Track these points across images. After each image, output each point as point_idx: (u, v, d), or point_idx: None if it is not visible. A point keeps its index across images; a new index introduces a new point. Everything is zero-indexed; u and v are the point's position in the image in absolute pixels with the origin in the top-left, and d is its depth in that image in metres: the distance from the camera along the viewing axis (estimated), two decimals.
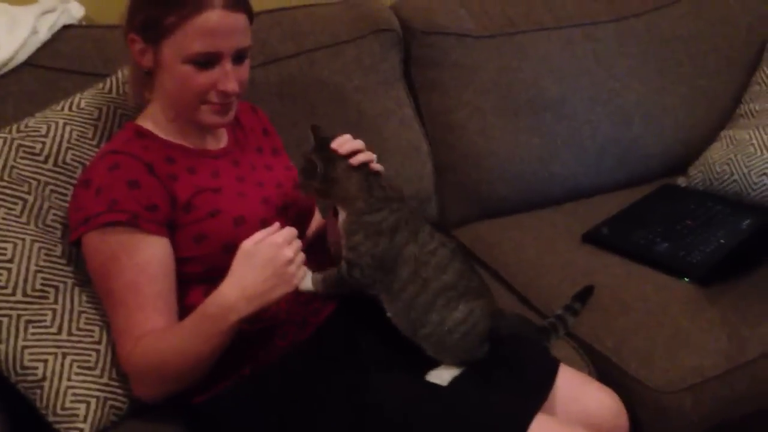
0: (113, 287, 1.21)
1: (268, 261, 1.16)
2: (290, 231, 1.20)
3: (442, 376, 1.28)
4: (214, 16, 1.19)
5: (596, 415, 1.31)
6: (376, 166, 1.29)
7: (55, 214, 1.34)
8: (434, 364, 1.29)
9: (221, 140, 1.40)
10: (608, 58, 2.02)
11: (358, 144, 1.29)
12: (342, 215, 1.26)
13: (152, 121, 1.34)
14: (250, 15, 1.27)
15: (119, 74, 1.51)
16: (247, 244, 1.18)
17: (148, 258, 1.21)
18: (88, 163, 1.39)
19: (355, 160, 1.26)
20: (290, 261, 1.17)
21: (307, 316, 1.33)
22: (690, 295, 1.58)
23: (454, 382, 1.27)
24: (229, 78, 1.24)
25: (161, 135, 1.33)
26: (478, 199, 1.93)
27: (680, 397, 1.42)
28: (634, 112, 2.04)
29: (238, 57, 1.26)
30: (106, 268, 1.21)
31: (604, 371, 1.47)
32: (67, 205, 1.36)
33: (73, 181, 1.37)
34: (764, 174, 1.88)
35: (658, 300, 1.57)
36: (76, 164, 1.39)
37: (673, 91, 2.09)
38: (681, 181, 2.06)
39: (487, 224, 1.92)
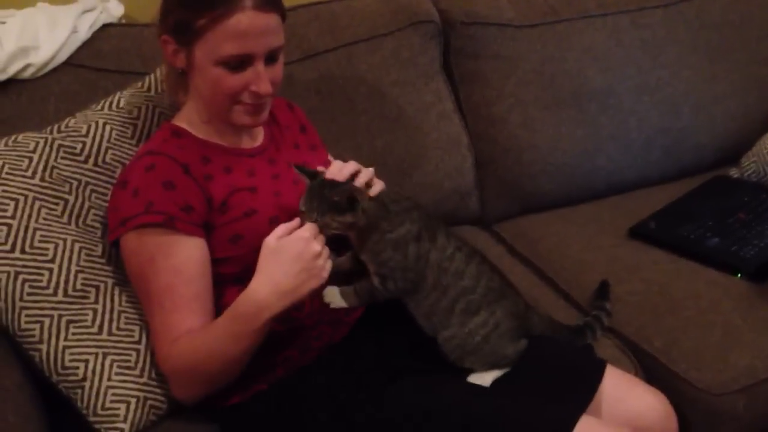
0: (150, 289, 1.21)
1: (297, 255, 1.15)
2: (314, 225, 1.19)
3: (484, 377, 1.26)
4: (245, 18, 1.18)
5: (643, 418, 1.27)
6: (379, 182, 1.27)
7: (95, 214, 1.35)
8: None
9: (257, 138, 1.39)
10: (656, 45, 1.95)
11: (354, 165, 1.26)
12: (361, 236, 1.23)
13: (188, 120, 1.33)
14: (282, 14, 1.25)
15: (157, 73, 1.51)
16: (271, 240, 1.16)
17: (184, 259, 1.21)
18: (127, 162, 1.40)
19: (359, 181, 1.23)
20: (319, 254, 1.16)
21: (341, 316, 1.31)
22: (742, 292, 1.53)
23: (497, 383, 1.24)
24: (262, 79, 1.23)
25: (197, 134, 1.32)
26: (520, 194, 1.89)
27: (732, 400, 1.37)
28: (683, 101, 1.97)
29: (271, 57, 1.24)
30: (143, 270, 1.22)
31: (652, 372, 1.43)
32: (106, 204, 1.36)
33: (113, 181, 1.38)
34: None
35: (709, 297, 1.51)
36: (115, 164, 1.39)
37: (724, 79, 2.01)
38: (733, 172, 1.98)
39: (529, 219, 1.88)
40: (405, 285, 1.22)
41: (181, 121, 1.34)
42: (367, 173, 1.25)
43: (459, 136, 1.84)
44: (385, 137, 1.76)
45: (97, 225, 1.35)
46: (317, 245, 1.16)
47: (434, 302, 1.23)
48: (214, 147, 1.32)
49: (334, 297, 1.24)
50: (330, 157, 1.38)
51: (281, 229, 1.18)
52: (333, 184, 1.21)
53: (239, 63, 1.21)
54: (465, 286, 1.22)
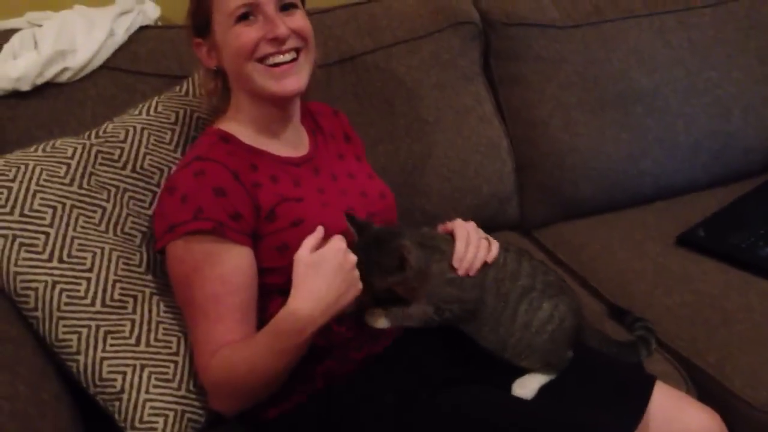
0: (195, 297, 1.19)
1: (337, 267, 1.13)
2: (341, 236, 1.17)
3: (528, 385, 1.22)
4: None
5: None
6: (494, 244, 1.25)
7: (133, 222, 1.33)
8: (516, 373, 1.23)
9: (302, 146, 1.36)
10: (705, 46, 1.89)
11: (477, 241, 1.23)
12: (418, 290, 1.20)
13: (234, 125, 1.31)
14: None
15: (195, 76, 1.49)
16: (304, 254, 1.14)
17: (231, 268, 1.18)
18: (165, 168, 1.38)
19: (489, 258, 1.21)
20: (355, 264, 1.15)
21: (371, 348, 1.28)
22: None
23: (543, 396, 1.21)
24: (276, 23, 1.22)
25: (244, 140, 1.30)
26: (562, 199, 1.84)
27: None
28: (732, 103, 1.90)
29: (284, 6, 1.24)
30: (188, 278, 1.19)
31: (705, 389, 1.37)
32: (144, 211, 1.35)
33: (151, 188, 1.36)
34: None
35: (763, 310, 1.45)
36: (153, 170, 1.37)
37: None
38: None
39: (571, 225, 1.83)
40: (463, 314, 1.19)
41: (226, 125, 1.31)
42: (494, 249, 1.23)
43: (499, 140, 1.80)
44: (423, 141, 1.72)
45: (135, 233, 1.33)
46: (353, 255, 1.15)
47: (497, 315, 1.19)
48: (261, 154, 1.29)
49: (379, 319, 1.22)
50: (453, 226, 1.28)
51: (311, 240, 1.16)
52: (379, 240, 1.18)
53: (250, 12, 1.21)
54: (524, 285, 1.19)
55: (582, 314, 1.26)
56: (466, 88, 1.78)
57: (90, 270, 1.25)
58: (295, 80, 1.26)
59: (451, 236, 1.23)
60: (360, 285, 1.16)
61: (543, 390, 1.21)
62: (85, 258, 1.25)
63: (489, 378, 1.22)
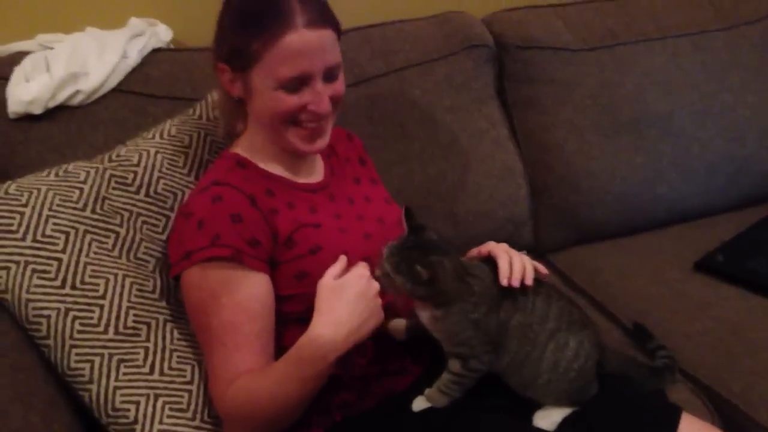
0: (211, 325, 1.16)
1: (360, 294, 1.13)
2: (365, 263, 1.16)
3: (550, 417, 1.19)
4: (297, 38, 1.14)
5: None
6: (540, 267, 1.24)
7: (146, 247, 1.31)
8: (537, 403, 1.20)
9: (317, 172, 1.34)
10: (719, 69, 1.88)
11: (522, 262, 1.20)
12: (436, 312, 1.16)
13: (249, 150, 1.29)
14: (337, 29, 1.21)
15: (208, 99, 1.48)
16: (328, 280, 1.14)
17: (249, 296, 1.16)
18: (179, 192, 1.36)
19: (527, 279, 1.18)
20: (378, 292, 1.14)
21: (406, 364, 1.25)
22: None
23: (565, 427, 1.17)
24: (321, 98, 1.19)
25: (260, 165, 1.28)
26: (576, 223, 1.82)
27: None
28: (747, 127, 1.89)
29: (329, 75, 1.20)
30: (205, 305, 1.17)
31: (730, 419, 1.34)
32: (158, 236, 1.33)
33: (165, 212, 1.34)
34: None
35: None
36: (167, 194, 1.35)
37: None
38: None
39: (586, 249, 1.81)
40: (489, 360, 1.17)
41: (243, 150, 1.29)
42: (533, 270, 1.20)
43: (513, 164, 1.78)
44: (438, 164, 1.70)
45: (148, 258, 1.31)
46: (376, 282, 1.14)
47: (523, 358, 1.17)
48: (277, 179, 1.27)
49: (422, 404, 1.19)
50: (488, 248, 1.25)
51: (336, 268, 1.16)
52: (425, 247, 1.15)
53: (298, 84, 1.17)
54: (552, 328, 1.16)
55: (602, 348, 1.23)
56: (480, 111, 1.77)
57: (103, 297, 1.22)
58: (322, 141, 1.25)
59: (487, 271, 1.19)
60: (383, 315, 1.15)
61: (566, 421, 1.18)
62: (98, 284, 1.23)
63: (509, 408, 1.19)
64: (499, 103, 1.81)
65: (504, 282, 1.16)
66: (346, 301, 1.12)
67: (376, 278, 1.15)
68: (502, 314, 1.16)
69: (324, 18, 1.17)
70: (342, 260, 1.17)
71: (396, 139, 1.68)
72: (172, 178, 1.37)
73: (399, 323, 1.24)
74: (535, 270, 1.21)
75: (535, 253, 1.84)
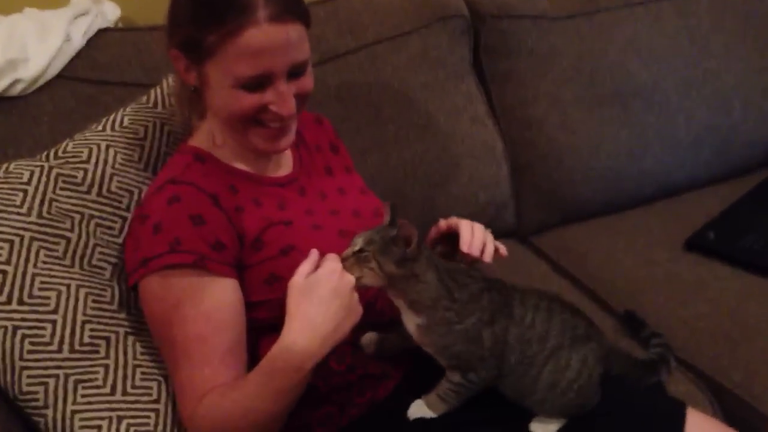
0: (176, 338, 1.06)
1: (332, 292, 1.01)
2: (336, 255, 1.05)
3: (547, 426, 1.12)
4: (259, 34, 1.01)
5: None
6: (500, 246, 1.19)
7: (102, 253, 1.19)
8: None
9: (285, 164, 1.23)
10: (702, 35, 1.80)
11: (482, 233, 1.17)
12: (418, 320, 1.06)
13: (208, 142, 1.17)
14: (306, 21, 1.08)
15: (164, 84, 1.35)
16: (298, 280, 1.02)
17: (216, 304, 1.06)
18: (135, 190, 1.24)
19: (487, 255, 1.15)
20: (354, 286, 1.03)
21: (386, 368, 1.16)
22: None
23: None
24: (284, 98, 1.07)
25: (222, 159, 1.16)
26: (560, 203, 1.74)
27: None
28: (733, 95, 1.82)
29: (295, 72, 1.08)
30: (168, 317, 1.06)
31: (731, 410, 1.27)
32: (114, 240, 1.21)
33: (120, 212, 1.23)
34: None
35: None
36: (122, 193, 1.23)
37: None
38: None
39: (571, 230, 1.73)
40: (490, 372, 1.07)
41: (202, 142, 1.17)
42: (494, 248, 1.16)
43: (493, 142, 1.69)
44: (414, 147, 1.60)
45: (104, 265, 1.19)
46: (350, 276, 1.03)
47: (521, 376, 1.08)
48: (241, 175, 1.16)
49: (419, 410, 1.09)
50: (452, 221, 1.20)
51: (306, 266, 1.04)
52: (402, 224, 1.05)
53: (257, 83, 1.05)
54: (552, 346, 1.07)
55: (608, 349, 1.15)
56: (457, 88, 1.66)
57: (55, 311, 1.11)
58: (287, 140, 1.14)
59: (476, 278, 1.09)
60: (360, 310, 1.05)
61: (566, 427, 1.10)
62: (48, 298, 1.11)
63: (505, 418, 1.11)
64: (476, 77, 1.71)
65: (464, 248, 1.10)
66: (319, 301, 1.01)
67: (344, 264, 1.04)
68: (496, 327, 1.06)
69: (290, 9, 1.04)
70: (313, 256, 1.05)
71: (369, 122, 1.57)
72: (126, 175, 1.25)
73: (370, 337, 1.14)
74: (496, 250, 1.16)
75: (516, 236, 1.76)
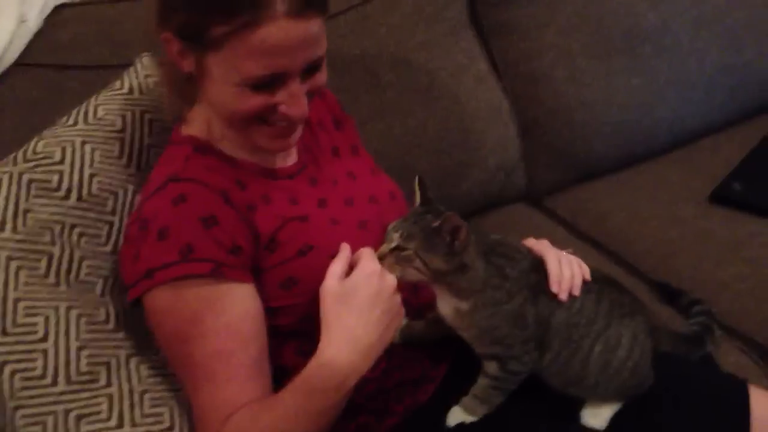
0: (195, 356, 0.94)
1: (373, 297, 0.91)
2: (371, 251, 0.94)
3: (600, 414, 1.02)
4: (276, 31, 0.87)
5: None
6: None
7: (90, 266, 1.05)
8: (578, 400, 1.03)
9: (291, 151, 1.09)
10: None
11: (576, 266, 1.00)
12: (462, 304, 0.96)
13: (208, 131, 1.03)
14: (325, 12, 0.93)
15: (137, 66, 1.20)
16: (332, 285, 0.92)
17: (239, 314, 0.94)
18: (119, 191, 1.10)
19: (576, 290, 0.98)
20: (396, 287, 0.93)
21: (426, 369, 1.05)
22: None
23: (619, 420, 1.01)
24: (297, 100, 0.93)
25: (222, 147, 1.03)
26: (572, 160, 1.63)
27: None
28: (743, 32, 1.71)
29: (311, 68, 0.94)
30: (184, 333, 0.94)
31: None
32: (101, 248, 1.07)
33: (105, 217, 1.08)
34: None
35: None
36: (105, 194, 1.09)
37: None
38: None
39: (587, 189, 1.63)
40: (531, 359, 0.97)
41: (199, 130, 1.03)
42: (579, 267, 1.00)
43: (499, 102, 1.56)
44: (417, 114, 1.47)
45: (94, 279, 1.05)
46: (391, 276, 0.93)
47: (567, 361, 0.98)
48: (246, 167, 1.03)
49: (458, 416, 0.99)
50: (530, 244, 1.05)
51: (338, 266, 0.93)
52: (440, 212, 0.94)
53: (268, 83, 0.91)
54: (599, 327, 0.97)
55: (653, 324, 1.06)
56: (457, 45, 1.53)
57: (44, 339, 0.97)
58: (292, 139, 1.01)
59: (524, 253, 1.00)
60: (403, 312, 0.95)
61: (618, 415, 1.01)
62: (35, 324, 0.97)
63: (549, 411, 1.02)
64: (475, 32, 1.57)
65: (554, 288, 0.96)
66: (359, 308, 0.90)
67: (382, 263, 0.93)
68: (540, 308, 0.96)
69: (311, 2, 0.89)
70: (344, 252, 0.95)
71: (367, 90, 1.43)
72: (108, 174, 1.10)
73: None
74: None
75: (528, 199, 1.65)
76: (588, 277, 1.00)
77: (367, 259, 0.93)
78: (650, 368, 1.02)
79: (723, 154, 1.63)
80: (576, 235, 1.51)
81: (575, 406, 1.03)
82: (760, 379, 1.16)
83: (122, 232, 1.08)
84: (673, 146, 1.68)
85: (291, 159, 1.08)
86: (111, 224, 1.09)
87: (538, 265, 0.99)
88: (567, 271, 0.97)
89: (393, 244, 0.92)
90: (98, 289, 1.06)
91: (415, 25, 1.48)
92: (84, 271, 1.05)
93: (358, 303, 0.90)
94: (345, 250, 0.95)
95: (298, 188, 1.05)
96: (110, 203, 1.09)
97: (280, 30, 0.87)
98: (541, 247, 1.02)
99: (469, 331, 0.98)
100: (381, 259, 0.93)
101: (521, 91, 1.59)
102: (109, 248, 1.08)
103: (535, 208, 1.62)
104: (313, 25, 0.90)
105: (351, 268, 0.93)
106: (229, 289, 0.94)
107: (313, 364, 0.91)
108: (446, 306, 0.97)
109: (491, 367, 0.98)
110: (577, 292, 0.97)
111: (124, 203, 1.10)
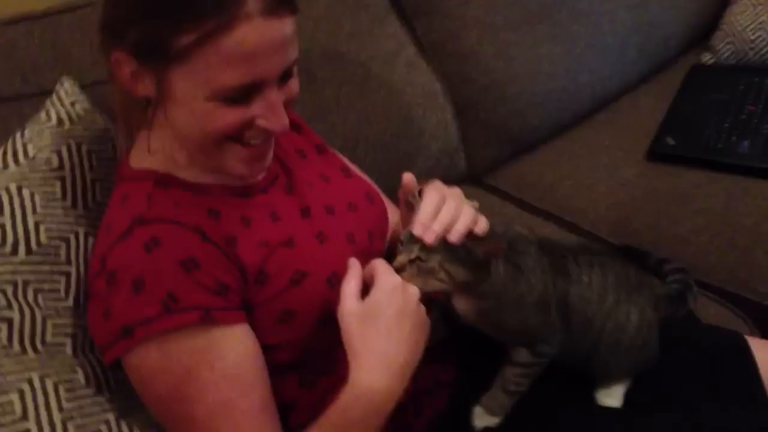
0: (196, 414, 0.85)
1: (400, 313, 0.87)
2: (386, 265, 0.89)
3: (615, 393, 1.03)
4: (251, 32, 0.78)
5: None
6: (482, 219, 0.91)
7: (54, 325, 0.93)
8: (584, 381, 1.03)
9: None
10: None
11: (453, 210, 0.89)
12: (483, 304, 0.92)
13: (166, 158, 0.93)
14: (296, 11, 0.85)
15: (59, 92, 1.07)
16: (352, 307, 0.86)
17: (236, 360, 0.86)
18: (71, 236, 0.98)
19: (455, 234, 0.88)
20: (419, 299, 0.88)
21: (437, 374, 1.01)
22: None
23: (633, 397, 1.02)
24: (276, 111, 0.85)
25: (185, 176, 0.93)
26: (509, 135, 1.62)
27: None
28: None
29: (285, 75, 0.86)
30: (179, 392, 0.85)
31: (766, 323, 1.23)
32: (63, 304, 0.95)
33: (61, 269, 0.96)
34: None
35: None
36: (56, 242, 0.96)
37: None
38: (706, 58, 1.82)
39: (526, 163, 1.63)
40: (558, 339, 0.95)
41: (155, 160, 0.93)
42: (467, 216, 0.89)
43: (432, 85, 1.53)
44: (357, 108, 1.41)
45: (63, 340, 0.93)
46: (413, 287, 0.88)
47: (580, 337, 0.97)
48: (215, 191, 0.93)
49: (483, 418, 0.96)
50: (413, 182, 0.97)
51: (353, 285, 0.87)
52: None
53: (244, 94, 0.82)
54: (610, 303, 0.96)
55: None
56: (384, 31, 1.48)
57: (24, 417, 0.85)
58: (266, 162, 0.94)
59: (531, 241, 0.96)
60: (429, 321, 0.90)
61: (635, 387, 1.02)
62: (11, 403, 0.85)
63: (566, 396, 1.01)
64: (398, 15, 1.53)
65: (416, 230, 0.86)
66: (387, 328, 0.85)
67: (401, 275, 0.88)
68: (558, 289, 0.95)
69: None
70: (355, 269, 0.88)
71: (304, 89, 1.32)
72: (54, 220, 0.97)
73: None
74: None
75: (469, 179, 1.63)
76: (482, 227, 0.89)
77: (385, 273, 0.87)
78: (657, 341, 1.02)
79: (645, 110, 1.68)
80: (529, 210, 1.50)
81: (589, 387, 1.03)
82: (743, 329, 1.20)
83: (82, 284, 0.96)
84: (594, 109, 1.72)
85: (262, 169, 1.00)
86: (68, 275, 0.97)
87: (546, 246, 0.96)
88: (446, 214, 0.87)
89: (413, 255, 0.86)
90: (68, 349, 0.93)
91: (341, 16, 1.42)
92: (49, 332, 0.93)
93: (386, 322, 0.85)
94: (355, 266, 0.89)
95: (276, 201, 0.97)
96: (63, 252, 0.97)
97: (256, 31, 0.79)
98: (427, 185, 0.93)
99: (493, 327, 0.95)
100: (399, 270, 0.87)
101: (452, 71, 1.56)
102: (70, 302, 0.96)
103: (478, 187, 1.61)
104: (288, 25, 0.83)
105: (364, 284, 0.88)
106: (222, 335, 0.85)
107: (349, 396, 0.85)
108: (464, 305, 0.93)
109: (521, 354, 0.95)
110: (454, 238, 0.86)
111: (78, 249, 0.98)
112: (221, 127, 0.84)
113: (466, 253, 0.87)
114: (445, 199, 0.90)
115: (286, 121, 0.87)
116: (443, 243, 0.86)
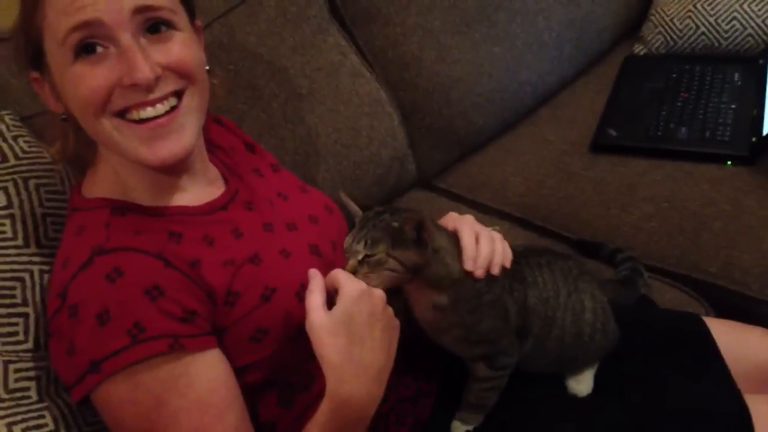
0: None
1: (370, 317, 0.86)
2: (343, 271, 0.88)
3: (584, 380, 1.05)
4: None
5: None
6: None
7: (18, 370, 0.91)
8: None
9: (216, 179, 1.00)
10: None
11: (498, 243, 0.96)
12: (442, 299, 0.93)
13: (115, 183, 0.91)
14: None
15: (2, 126, 1.03)
16: (320, 319, 0.84)
17: (208, 386, 0.84)
18: (25, 276, 0.96)
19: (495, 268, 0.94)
20: (386, 300, 0.88)
21: (419, 383, 1.01)
22: (750, 181, 1.40)
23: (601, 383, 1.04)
24: (134, 60, 0.82)
25: (141, 200, 0.91)
26: (456, 137, 1.63)
27: None
28: None
29: (150, 24, 0.84)
30: (150, 422, 0.82)
31: (719, 303, 1.27)
32: (22, 348, 0.93)
33: (18, 310, 0.94)
34: (734, 18, 1.73)
35: (724, 198, 1.38)
36: (10, 284, 0.94)
37: None
38: (637, 49, 1.87)
39: (475, 163, 1.64)
40: (516, 348, 0.97)
41: (105, 189, 0.91)
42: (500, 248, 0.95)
43: (377, 93, 1.52)
44: (306, 121, 1.40)
45: (27, 384, 0.91)
46: (378, 290, 0.88)
47: (543, 341, 0.99)
48: (173, 211, 0.91)
49: (460, 429, 0.98)
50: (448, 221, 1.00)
51: (317, 297, 0.85)
52: (395, 210, 0.91)
53: (90, 44, 0.82)
54: (564, 298, 0.99)
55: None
56: (326, 42, 1.47)
57: None
58: (175, 142, 0.87)
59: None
60: (398, 321, 0.90)
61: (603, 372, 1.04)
62: None
63: (539, 392, 1.03)
64: (338, 25, 1.52)
65: (469, 266, 0.92)
66: (360, 335, 0.84)
67: (358, 277, 0.87)
68: (515, 294, 0.96)
69: None
70: (316, 280, 0.86)
71: (251, 106, 1.34)
72: (6, 261, 0.95)
73: None
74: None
75: (419, 184, 1.64)
76: (509, 253, 0.96)
77: (348, 280, 0.86)
78: (615, 322, 1.05)
79: (584, 102, 1.72)
80: (481, 210, 1.51)
81: (559, 378, 1.05)
82: (699, 310, 1.24)
83: (42, 324, 0.93)
84: (536, 106, 1.74)
85: (218, 189, 0.98)
86: (26, 316, 0.94)
87: None
88: (486, 247, 0.94)
89: (360, 256, 0.87)
90: (34, 394, 0.91)
91: (283, 29, 1.40)
92: (12, 378, 0.90)
93: (357, 329, 0.84)
94: (316, 277, 0.86)
95: (237, 217, 0.95)
96: (18, 293, 0.94)
97: None
98: (459, 222, 0.97)
99: (453, 333, 0.96)
100: (354, 273, 0.87)
101: (395, 78, 1.56)
102: (30, 344, 0.93)
103: (429, 191, 1.62)
104: None
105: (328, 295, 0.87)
106: (192, 362, 0.83)
107: (329, 407, 0.84)
108: (426, 309, 0.94)
109: (480, 369, 0.97)
110: (496, 270, 0.93)
111: (33, 288, 0.95)
112: (90, 89, 0.82)
113: (410, 240, 0.88)
114: (478, 234, 0.94)
115: (147, 69, 0.82)
116: (386, 234, 0.87)
